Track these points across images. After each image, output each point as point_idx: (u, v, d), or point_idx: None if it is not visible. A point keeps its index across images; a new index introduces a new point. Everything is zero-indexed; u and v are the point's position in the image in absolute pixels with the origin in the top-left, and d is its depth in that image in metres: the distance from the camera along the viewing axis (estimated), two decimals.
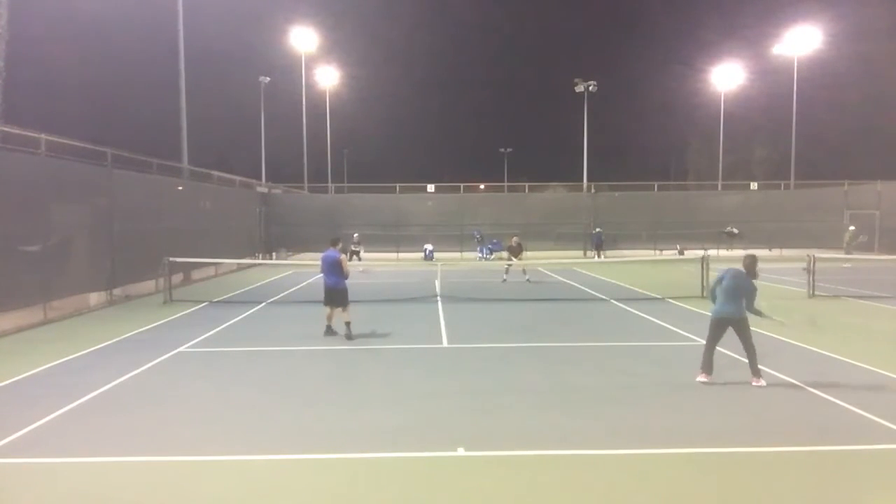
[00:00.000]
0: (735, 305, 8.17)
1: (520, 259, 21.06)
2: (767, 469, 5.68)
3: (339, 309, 11.40)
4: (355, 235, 25.71)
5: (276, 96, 50.96)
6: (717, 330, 8.30)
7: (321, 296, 17.59)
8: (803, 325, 10.43)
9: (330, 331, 11.37)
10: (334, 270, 11.37)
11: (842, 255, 25.41)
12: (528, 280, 20.76)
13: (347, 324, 11.34)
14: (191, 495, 5.27)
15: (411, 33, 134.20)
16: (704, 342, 8.53)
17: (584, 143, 43.17)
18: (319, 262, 11.76)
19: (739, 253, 31.86)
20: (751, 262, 8.32)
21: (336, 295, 11.38)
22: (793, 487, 5.33)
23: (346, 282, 11.46)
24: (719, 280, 8.42)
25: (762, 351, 10.12)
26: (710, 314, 8.49)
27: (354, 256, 24.41)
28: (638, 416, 7.12)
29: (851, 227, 27.97)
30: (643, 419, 6.99)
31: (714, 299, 8.47)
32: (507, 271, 21.45)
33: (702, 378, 8.37)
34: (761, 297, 8.45)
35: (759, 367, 8.23)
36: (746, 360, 8.29)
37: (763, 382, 8.11)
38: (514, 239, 21.29)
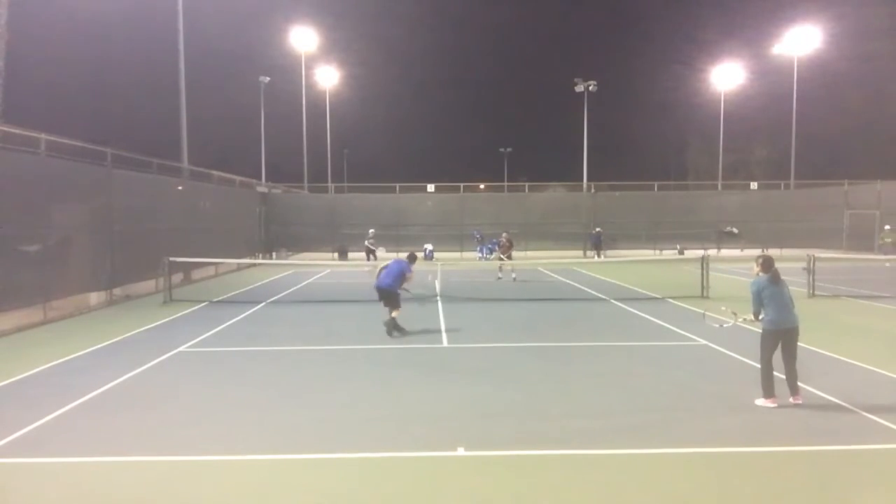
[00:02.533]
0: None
1: (509, 257, 21.30)
2: (767, 469, 5.68)
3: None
4: (371, 231, 25.86)
5: (276, 96, 50.93)
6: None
7: (320, 295, 17.64)
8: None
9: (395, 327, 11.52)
10: (394, 274, 11.69)
11: (880, 256, 25.28)
12: (514, 279, 21.00)
13: (393, 318, 11.58)
14: (191, 495, 5.27)
15: (411, 33, 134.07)
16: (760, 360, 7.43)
17: (583, 143, 43.21)
18: (383, 265, 12.13)
19: (731, 253, 32.07)
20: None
21: (386, 295, 11.64)
22: (793, 487, 5.33)
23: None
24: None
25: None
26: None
27: (371, 255, 24.58)
28: (638, 416, 7.12)
29: (887, 227, 27.59)
30: (643, 419, 6.99)
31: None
32: (500, 269, 21.71)
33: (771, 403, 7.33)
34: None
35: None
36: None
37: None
38: (505, 235, 21.61)
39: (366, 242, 25.26)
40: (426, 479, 5.56)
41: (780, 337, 7.33)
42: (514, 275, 21.30)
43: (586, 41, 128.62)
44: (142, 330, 12.44)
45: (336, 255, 31.73)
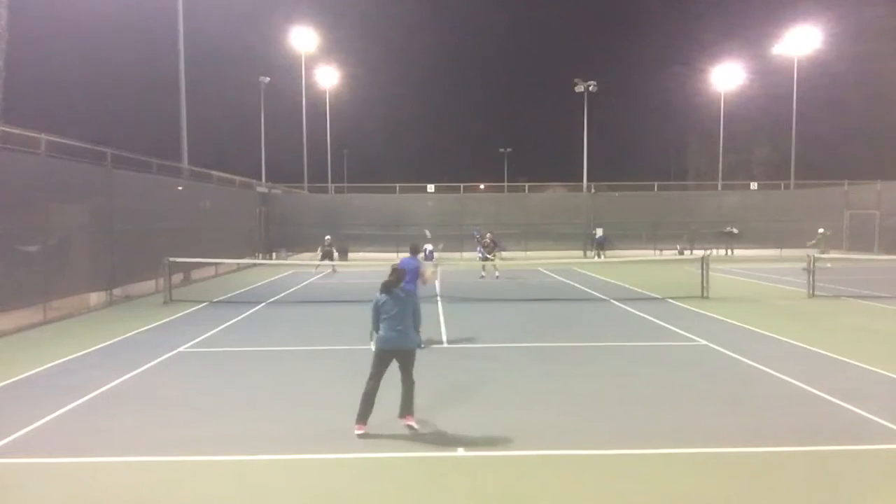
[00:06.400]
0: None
1: (494, 257, 21.79)
2: (767, 469, 5.68)
3: None
4: (327, 238, 24.91)
5: (276, 96, 50.87)
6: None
7: (320, 296, 17.64)
8: None
9: None
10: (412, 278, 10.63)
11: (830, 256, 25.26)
12: (496, 277, 21.61)
13: None
14: (191, 495, 5.27)
15: (411, 33, 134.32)
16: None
17: (584, 143, 43.19)
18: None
19: (702, 253, 31.92)
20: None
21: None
22: (792, 487, 5.33)
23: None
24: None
25: (765, 351, 10.15)
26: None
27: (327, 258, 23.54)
28: (638, 416, 7.12)
29: (821, 230, 27.15)
30: (643, 419, 6.99)
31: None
32: (484, 268, 22.20)
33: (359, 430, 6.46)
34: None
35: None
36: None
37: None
38: (489, 235, 22.03)
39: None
40: (426, 479, 5.56)
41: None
42: (497, 274, 21.85)
43: (586, 41, 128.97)
44: (142, 330, 12.44)
45: (337, 255, 31.72)
